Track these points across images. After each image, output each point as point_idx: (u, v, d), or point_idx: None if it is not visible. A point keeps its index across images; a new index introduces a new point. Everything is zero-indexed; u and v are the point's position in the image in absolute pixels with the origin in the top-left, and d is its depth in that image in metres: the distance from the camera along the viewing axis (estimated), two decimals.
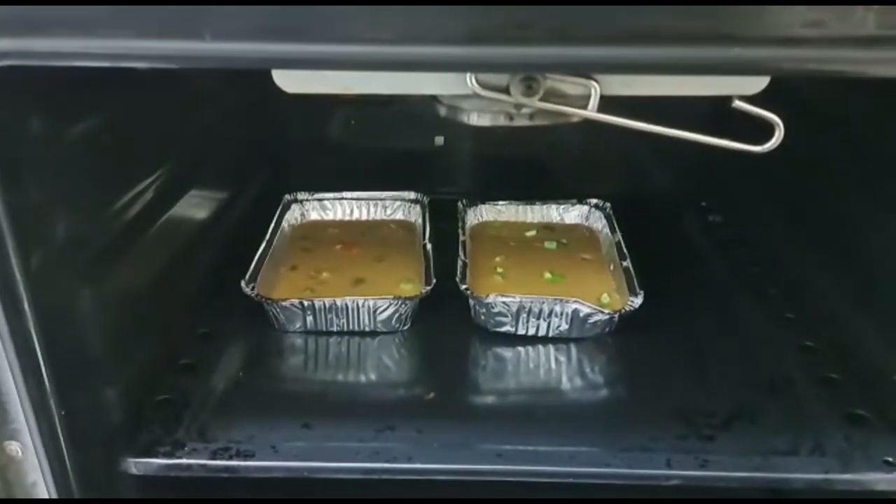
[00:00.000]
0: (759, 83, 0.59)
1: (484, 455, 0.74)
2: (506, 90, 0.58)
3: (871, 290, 0.85)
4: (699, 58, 0.51)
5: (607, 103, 0.62)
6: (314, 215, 1.15)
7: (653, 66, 0.52)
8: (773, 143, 0.60)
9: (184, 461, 0.73)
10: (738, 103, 0.59)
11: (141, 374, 0.81)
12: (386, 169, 1.24)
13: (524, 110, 0.62)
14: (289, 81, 0.60)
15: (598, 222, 1.12)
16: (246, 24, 0.51)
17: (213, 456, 0.73)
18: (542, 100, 0.58)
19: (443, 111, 0.66)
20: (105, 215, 0.74)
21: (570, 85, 0.59)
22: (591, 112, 0.59)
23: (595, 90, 0.58)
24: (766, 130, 0.65)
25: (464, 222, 1.10)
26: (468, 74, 0.58)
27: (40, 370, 0.62)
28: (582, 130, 1.30)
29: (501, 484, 0.74)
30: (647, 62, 0.51)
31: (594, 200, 1.14)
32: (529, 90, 0.58)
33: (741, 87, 0.59)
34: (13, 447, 0.65)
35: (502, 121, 0.63)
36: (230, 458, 0.73)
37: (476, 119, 0.64)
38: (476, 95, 0.58)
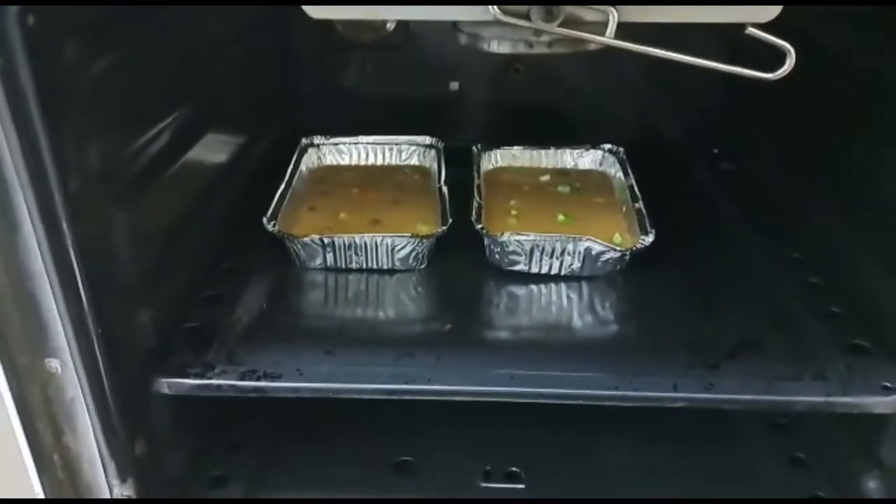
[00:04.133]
0: (771, 11, 0.61)
1: (498, 378, 0.77)
2: (526, 17, 0.60)
3: (877, 227, 0.86)
4: None
5: (624, 34, 0.64)
6: (330, 159, 1.17)
7: None
8: (784, 69, 0.61)
9: (214, 381, 0.76)
10: (751, 30, 0.60)
11: (170, 304, 0.84)
12: (401, 115, 1.25)
13: (543, 38, 0.63)
14: (315, 7, 0.62)
15: (612, 167, 1.13)
16: None
17: (242, 377, 0.76)
18: (561, 26, 0.60)
19: (463, 39, 0.68)
20: (132, 148, 0.76)
21: (588, 11, 0.60)
22: (609, 38, 0.60)
23: (613, 17, 0.60)
24: (776, 63, 0.67)
25: (478, 167, 1.11)
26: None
27: (78, 289, 0.65)
28: (596, 76, 1.30)
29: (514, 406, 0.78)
30: None
31: (608, 146, 1.15)
32: (549, 16, 0.59)
33: (754, 15, 0.61)
34: (53, 364, 0.68)
35: (522, 48, 0.65)
36: (258, 379, 0.76)
37: (496, 47, 0.66)
38: (497, 22, 0.60)
